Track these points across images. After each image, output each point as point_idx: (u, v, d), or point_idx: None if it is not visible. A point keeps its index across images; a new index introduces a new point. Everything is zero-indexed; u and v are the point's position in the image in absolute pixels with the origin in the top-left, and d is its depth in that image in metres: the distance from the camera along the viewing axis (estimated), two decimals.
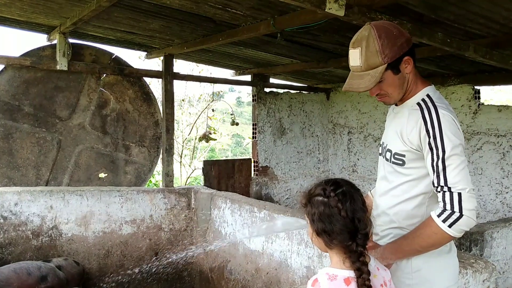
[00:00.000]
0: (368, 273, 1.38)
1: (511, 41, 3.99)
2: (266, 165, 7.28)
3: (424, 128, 1.65)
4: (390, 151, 1.83)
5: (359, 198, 1.46)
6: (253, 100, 7.32)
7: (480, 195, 5.79)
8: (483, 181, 5.76)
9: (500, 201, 5.62)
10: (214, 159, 12.45)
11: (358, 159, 7.56)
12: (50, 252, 4.46)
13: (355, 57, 1.74)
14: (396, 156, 1.78)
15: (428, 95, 1.75)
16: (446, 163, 1.60)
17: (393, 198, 1.81)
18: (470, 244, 3.36)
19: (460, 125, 1.68)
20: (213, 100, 10.94)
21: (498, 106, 5.69)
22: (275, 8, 3.65)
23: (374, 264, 1.52)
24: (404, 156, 1.75)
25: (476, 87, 5.89)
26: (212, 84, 10.16)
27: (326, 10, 2.91)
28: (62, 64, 5.12)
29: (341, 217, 1.41)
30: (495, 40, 4.05)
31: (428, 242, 1.65)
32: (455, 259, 1.84)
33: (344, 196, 1.43)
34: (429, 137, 1.63)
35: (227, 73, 7.41)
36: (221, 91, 11.62)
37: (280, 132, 7.45)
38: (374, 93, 1.79)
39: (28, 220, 4.39)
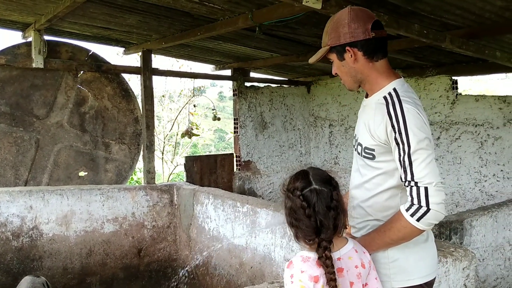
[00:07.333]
0: (331, 265, 1.44)
1: (487, 31, 4.03)
2: (249, 160, 7.28)
3: (390, 123, 1.64)
4: (361, 145, 1.84)
5: (327, 196, 1.49)
6: (234, 95, 7.29)
7: (459, 184, 5.88)
8: (462, 170, 5.85)
9: (479, 190, 5.72)
10: (196, 154, 12.40)
11: (339, 152, 7.61)
12: (31, 253, 4.40)
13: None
14: (366, 150, 1.79)
15: (394, 89, 1.73)
16: (412, 158, 1.59)
17: (366, 192, 1.82)
18: (450, 233, 3.41)
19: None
20: (194, 96, 10.88)
21: (475, 96, 5.77)
22: (253, 1, 3.64)
23: (351, 247, 1.58)
24: (373, 150, 1.75)
25: (453, 77, 5.95)
26: (193, 79, 10.10)
27: (303, 3, 2.90)
28: (38, 61, 5.04)
29: (305, 217, 1.49)
30: (471, 31, 4.09)
31: (398, 236, 1.66)
32: (433, 248, 1.85)
33: (310, 196, 1.49)
34: (395, 132, 1.63)
35: (208, 68, 7.37)
36: (203, 86, 11.57)
37: (262, 126, 7.45)
38: (333, 72, 1.87)
39: (7, 221, 4.32)
